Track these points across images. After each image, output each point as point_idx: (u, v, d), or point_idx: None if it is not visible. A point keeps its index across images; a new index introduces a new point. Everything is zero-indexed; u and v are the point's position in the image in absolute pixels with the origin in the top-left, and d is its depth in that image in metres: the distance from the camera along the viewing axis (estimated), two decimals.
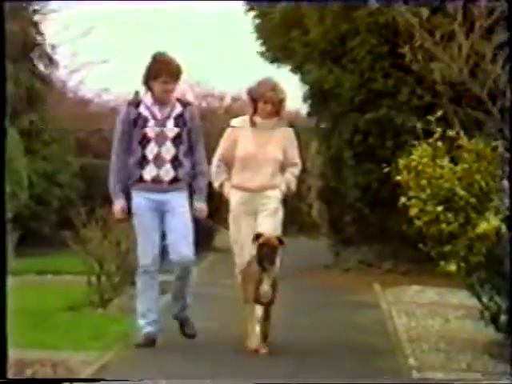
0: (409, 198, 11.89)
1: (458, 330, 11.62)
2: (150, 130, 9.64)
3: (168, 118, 9.72)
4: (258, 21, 20.43)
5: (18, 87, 16.96)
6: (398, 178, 12.32)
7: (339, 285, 15.71)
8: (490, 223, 10.69)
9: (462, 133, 12.25)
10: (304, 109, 21.78)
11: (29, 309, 11.59)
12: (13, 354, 9.51)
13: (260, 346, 9.60)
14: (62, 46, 23.27)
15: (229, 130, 10.50)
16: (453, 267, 11.20)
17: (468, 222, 11.26)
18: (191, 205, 9.90)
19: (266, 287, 9.44)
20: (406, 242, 14.08)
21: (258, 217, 10.23)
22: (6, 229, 4.43)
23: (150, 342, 9.85)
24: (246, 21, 20.76)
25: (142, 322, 9.94)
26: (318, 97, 18.94)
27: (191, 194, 9.95)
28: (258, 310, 9.72)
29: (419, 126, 12.35)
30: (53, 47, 22.81)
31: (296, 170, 10.37)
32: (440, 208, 11.58)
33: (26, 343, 9.96)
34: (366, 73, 17.58)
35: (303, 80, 19.39)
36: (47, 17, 22.49)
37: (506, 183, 10.41)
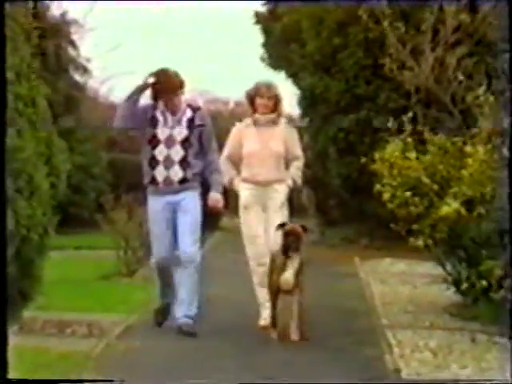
0: (382, 185, 11.91)
1: (424, 294, 11.63)
2: (160, 133, 8.85)
3: (179, 122, 8.90)
4: (262, 34, 20.56)
5: (57, 95, 16.93)
6: (374, 168, 12.36)
7: (325, 258, 15.68)
8: (450, 206, 10.72)
9: (427, 130, 12.29)
10: (293, 112, 22.22)
11: (68, 278, 11.64)
12: (55, 315, 9.57)
13: (292, 333, 8.62)
14: (94, 59, 23.25)
15: (234, 130, 9.77)
16: (420, 242, 11.24)
17: (432, 205, 11.29)
18: (205, 200, 9.05)
19: (287, 275, 8.55)
20: (381, 222, 14.09)
21: (266, 211, 9.47)
22: (6, 228, 4.18)
23: (165, 311, 9.33)
24: (252, 35, 20.93)
25: (159, 296, 9.35)
26: (309, 100, 18.97)
27: (206, 191, 9.08)
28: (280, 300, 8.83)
29: (392, 125, 12.40)
30: (87, 60, 22.84)
31: (299, 163, 9.77)
32: (408, 193, 11.59)
33: (66, 307, 10.00)
34: (350, 80, 17.55)
35: (298, 85, 19.45)
36: (83, 35, 22.53)
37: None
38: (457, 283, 10.70)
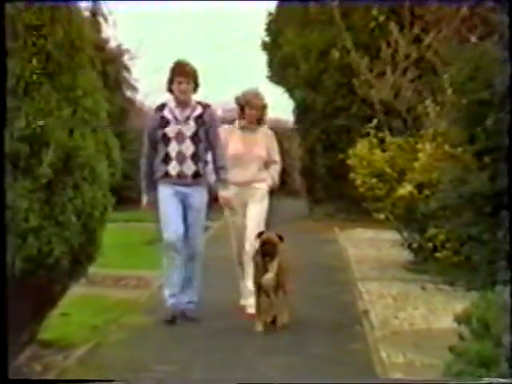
0: (355, 174, 11.97)
1: (386, 255, 11.63)
2: (171, 130, 7.24)
3: (188, 118, 7.27)
4: (267, 58, 20.69)
5: (114, 107, 16.92)
6: (349, 161, 12.38)
7: (312, 228, 15.71)
8: (405, 189, 10.75)
9: (388, 133, 12.33)
10: (284, 117, 22.49)
11: (121, 244, 11.67)
12: (111, 272, 9.59)
13: (269, 327, 7.08)
14: (141, 79, 23.25)
15: (221, 132, 7.78)
16: (383, 216, 11.28)
17: (392, 188, 11.32)
18: (211, 196, 7.60)
19: (268, 276, 7.01)
20: (354, 201, 14.10)
21: (247, 206, 7.82)
22: (6, 228, 4.10)
23: (174, 313, 7.29)
24: (260, 58, 21.05)
25: (166, 292, 7.34)
26: (301, 109, 19.01)
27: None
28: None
29: (362, 129, 12.44)
30: (136, 80, 22.87)
31: (277, 167, 8.03)
32: (374, 180, 11.63)
33: (120, 265, 10.04)
34: (331, 95, 17.57)
35: (292, 98, 19.43)
36: (134, 61, 22.57)
37: None
38: (411, 246, 10.76)
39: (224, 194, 7.48)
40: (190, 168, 7.26)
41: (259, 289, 7.10)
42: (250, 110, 7.79)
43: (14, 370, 5.60)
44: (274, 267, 7.03)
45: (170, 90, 7.34)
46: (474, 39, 9.03)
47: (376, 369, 5.86)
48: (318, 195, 18.65)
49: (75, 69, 5.63)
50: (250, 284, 7.48)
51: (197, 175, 7.30)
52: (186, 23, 38.50)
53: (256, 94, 7.89)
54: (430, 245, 9.80)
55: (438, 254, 9.57)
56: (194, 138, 7.27)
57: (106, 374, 5.75)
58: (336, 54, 16.51)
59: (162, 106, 7.41)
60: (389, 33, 14.34)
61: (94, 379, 5.25)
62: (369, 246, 12.85)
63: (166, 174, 7.29)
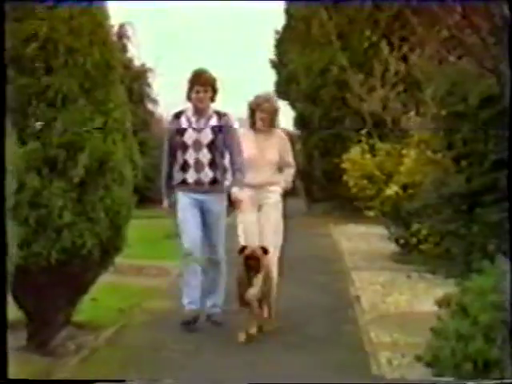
0: (348, 176, 11.97)
1: (376, 248, 11.61)
2: (188, 138, 6.44)
3: (204, 126, 6.47)
4: (275, 75, 20.85)
5: (137, 118, 16.94)
6: (343, 165, 12.38)
7: (310, 224, 15.70)
8: (392, 190, 10.76)
9: (377, 140, 12.33)
10: (286, 127, 22.54)
11: (144, 237, 11.68)
12: (135, 262, 9.57)
13: (255, 335, 6.11)
14: (161, 94, 23.32)
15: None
16: (372, 213, 11.28)
17: (380, 189, 11.32)
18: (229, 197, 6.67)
19: (252, 291, 5.99)
20: (347, 200, 14.10)
21: (262, 208, 6.96)
22: (6, 227, 3.88)
23: (192, 318, 6.41)
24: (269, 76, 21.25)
25: (185, 300, 6.46)
26: (301, 120, 19.03)
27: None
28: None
29: (354, 137, 12.43)
30: (157, 95, 22.92)
31: (292, 170, 7.24)
32: (365, 182, 11.62)
33: (143, 256, 10.03)
34: (327, 108, 17.59)
35: (295, 110, 19.56)
36: (155, 78, 22.62)
37: None
38: (397, 240, 10.76)
39: (237, 193, 6.57)
40: (207, 175, 6.45)
41: (242, 302, 6.07)
42: (260, 113, 6.94)
43: (51, 349, 5.64)
44: (258, 281, 6.03)
45: (190, 98, 6.56)
46: (452, 59, 9.03)
47: (366, 347, 5.88)
48: (315, 195, 18.68)
49: (107, 85, 5.67)
50: None
51: (214, 182, 6.48)
52: (205, 39, 38.15)
53: (267, 98, 7.08)
54: (414, 239, 9.81)
55: (421, 247, 9.58)
56: (211, 145, 6.47)
57: (131, 352, 5.77)
58: (334, 71, 16.55)
59: (179, 114, 6.65)
60: (380, 52, 14.39)
61: (95, 379, 4.79)
62: (360, 240, 12.83)
63: (184, 182, 6.49)
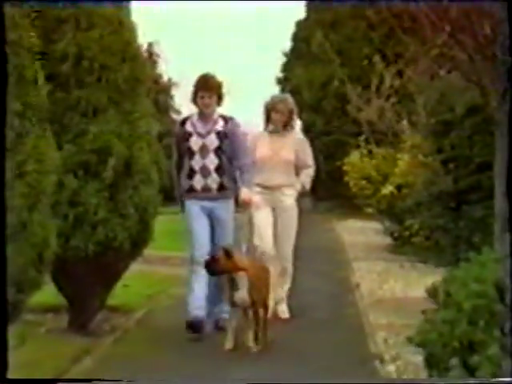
0: (349, 178, 11.98)
1: (373, 241, 11.61)
2: (194, 144, 5.58)
3: (210, 132, 5.57)
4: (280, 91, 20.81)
5: (162, 127, 16.95)
6: (344, 168, 12.39)
7: (315, 220, 15.63)
8: (387, 189, 10.76)
9: (374, 146, 12.33)
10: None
11: (168, 231, 11.61)
12: (161, 253, 9.53)
13: (252, 346, 5.08)
14: (184, 105, 23.31)
15: (249, 137, 6.25)
16: (370, 210, 11.28)
17: (377, 189, 11.32)
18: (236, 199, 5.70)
19: (241, 292, 5.06)
20: (348, 199, 14.11)
21: (276, 210, 6.17)
22: (6, 226, 3.71)
23: (196, 324, 5.48)
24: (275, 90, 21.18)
25: (190, 307, 5.55)
26: (305, 128, 19.02)
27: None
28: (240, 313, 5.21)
29: (354, 142, 12.43)
30: (180, 105, 23.00)
31: (310, 171, 6.36)
32: (363, 182, 11.65)
33: (168, 248, 10.00)
34: (329, 117, 17.61)
35: (300, 119, 19.55)
36: (179, 91, 22.67)
37: None
38: (392, 234, 10.75)
39: (244, 194, 5.61)
40: (214, 181, 5.57)
41: (233, 305, 5.17)
42: (275, 114, 6.17)
43: (89, 330, 5.65)
44: (244, 283, 5.06)
45: (195, 103, 5.72)
46: (442, 73, 9.01)
47: (365, 328, 5.87)
48: (320, 194, 18.58)
49: (135, 97, 5.69)
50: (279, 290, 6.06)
51: (222, 188, 5.60)
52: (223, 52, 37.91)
53: (282, 100, 6.32)
54: (407, 232, 9.82)
55: (413, 240, 9.58)
56: (218, 151, 5.58)
57: (158, 332, 5.77)
58: (334, 84, 16.56)
59: (185, 119, 5.85)
60: (377, 68, 14.39)
61: (95, 379, 4.29)
62: (359, 234, 12.83)
63: (191, 189, 5.61)
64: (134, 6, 5.90)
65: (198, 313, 5.53)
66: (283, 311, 6.15)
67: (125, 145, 5.51)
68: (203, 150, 5.58)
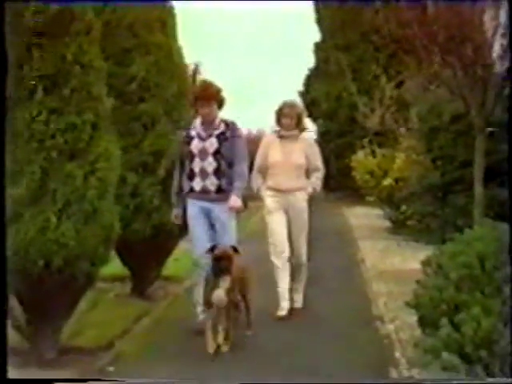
0: (356, 173, 11.91)
1: (375, 223, 11.52)
2: (195, 147, 4.74)
3: (210, 135, 4.72)
4: (301, 101, 20.75)
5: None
6: (352, 164, 12.34)
7: (327, 207, 15.59)
8: (387, 182, 10.69)
9: (377, 147, 12.25)
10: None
11: None
12: (183, 244, 9.34)
13: (222, 345, 4.22)
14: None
15: (262, 142, 5.46)
16: (372, 199, 11.22)
17: (379, 182, 11.25)
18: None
19: (219, 292, 4.19)
20: (355, 190, 14.04)
21: (288, 214, 5.26)
22: (6, 226, 3.49)
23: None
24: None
25: (197, 309, 4.69)
26: (321, 133, 18.98)
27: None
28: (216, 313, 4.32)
29: (359, 144, 12.35)
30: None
31: (320, 173, 5.41)
32: (367, 176, 11.57)
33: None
34: (341, 124, 17.51)
35: (316, 125, 19.50)
36: None
37: None
38: (390, 218, 10.69)
39: (232, 202, 4.65)
40: (213, 183, 4.72)
41: (209, 306, 4.29)
42: (284, 119, 5.29)
43: (148, 295, 5.72)
44: (225, 283, 4.24)
45: (196, 111, 4.89)
46: (432, 87, 8.98)
47: (369, 295, 5.86)
48: (331, 186, 18.53)
49: (180, 108, 5.74)
50: (282, 287, 5.22)
51: (220, 190, 4.72)
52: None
53: (290, 104, 5.37)
54: (403, 217, 9.76)
55: (408, 223, 9.53)
56: (217, 154, 4.73)
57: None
58: (346, 96, 16.47)
59: (189, 126, 5.04)
60: (380, 82, 14.33)
61: (95, 378, 3.71)
62: (364, 218, 12.74)
63: (191, 190, 4.79)
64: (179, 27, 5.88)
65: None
66: (297, 301, 5.37)
67: (174, 148, 5.58)
68: (202, 152, 4.74)
